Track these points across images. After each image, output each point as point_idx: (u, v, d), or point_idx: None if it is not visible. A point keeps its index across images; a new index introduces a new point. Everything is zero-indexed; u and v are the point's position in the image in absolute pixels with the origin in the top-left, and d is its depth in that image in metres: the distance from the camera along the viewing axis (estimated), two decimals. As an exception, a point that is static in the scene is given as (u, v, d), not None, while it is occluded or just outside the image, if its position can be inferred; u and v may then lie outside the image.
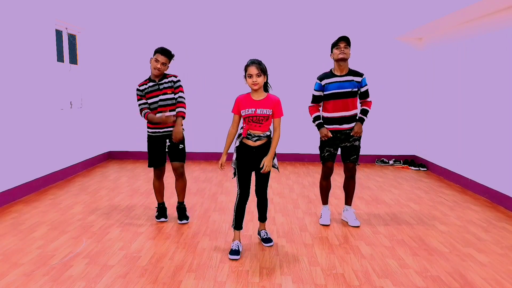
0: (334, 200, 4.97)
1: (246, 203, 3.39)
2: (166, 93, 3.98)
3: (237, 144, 3.35)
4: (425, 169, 6.89)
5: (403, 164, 7.24)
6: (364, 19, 7.28)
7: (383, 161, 7.37)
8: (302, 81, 7.38)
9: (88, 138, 6.77)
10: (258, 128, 3.26)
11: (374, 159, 7.51)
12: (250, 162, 3.32)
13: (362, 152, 7.52)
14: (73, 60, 6.58)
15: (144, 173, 6.34)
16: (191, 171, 6.61)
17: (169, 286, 2.79)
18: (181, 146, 4.03)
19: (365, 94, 4.08)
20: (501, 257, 3.32)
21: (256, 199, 3.58)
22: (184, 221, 4.10)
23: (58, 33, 6.09)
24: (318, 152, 4.03)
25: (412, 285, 2.85)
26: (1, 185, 4.57)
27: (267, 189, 3.51)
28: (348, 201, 4.16)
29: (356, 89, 3.96)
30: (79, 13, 6.49)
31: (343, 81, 3.92)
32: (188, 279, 2.89)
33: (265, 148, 3.31)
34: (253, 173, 3.39)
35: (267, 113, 3.24)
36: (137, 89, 4.03)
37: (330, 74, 3.98)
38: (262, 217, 3.62)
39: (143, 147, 7.33)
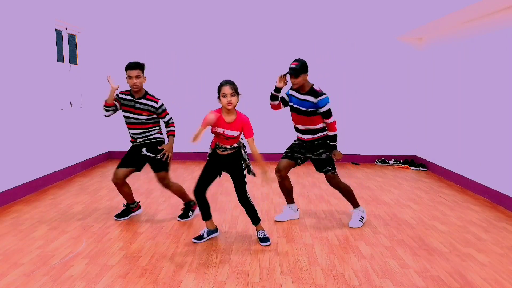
0: (334, 200, 4.97)
1: (201, 195, 3.56)
2: (141, 114, 3.93)
3: (210, 151, 3.62)
4: (425, 169, 6.89)
5: (403, 164, 7.24)
6: (365, 19, 7.28)
7: (383, 161, 7.37)
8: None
9: (88, 138, 6.77)
10: (226, 142, 3.46)
11: (374, 159, 7.51)
12: (219, 167, 3.59)
13: (362, 152, 7.54)
14: (73, 60, 6.58)
15: (144, 173, 6.32)
16: (191, 171, 6.61)
17: (169, 286, 2.79)
18: (158, 156, 4.01)
19: (325, 115, 3.85)
20: (501, 257, 3.32)
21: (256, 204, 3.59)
22: (185, 219, 4.19)
23: (58, 33, 6.09)
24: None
25: (412, 285, 2.85)
26: (1, 185, 4.57)
27: (246, 195, 3.53)
28: (352, 204, 4.16)
29: (313, 109, 3.85)
30: (79, 13, 6.49)
31: (302, 100, 3.91)
32: (188, 279, 2.89)
33: (233, 155, 3.52)
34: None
35: (235, 134, 3.43)
36: (117, 95, 4.02)
37: (297, 88, 3.95)
38: (253, 221, 3.65)
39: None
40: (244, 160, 3.54)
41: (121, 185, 4.05)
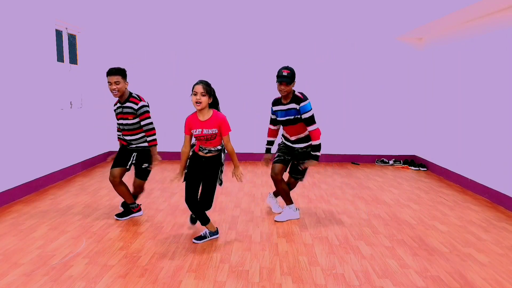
0: (334, 200, 4.97)
1: (193, 204, 3.51)
2: (127, 119, 3.97)
3: (190, 154, 3.60)
4: (425, 169, 6.89)
5: (403, 164, 7.24)
6: (365, 19, 7.28)
7: (383, 161, 7.37)
8: (305, 81, 7.38)
9: (88, 138, 6.77)
10: (208, 144, 3.48)
11: (374, 159, 7.52)
12: (199, 171, 3.53)
13: (362, 152, 7.54)
14: (73, 60, 6.58)
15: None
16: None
17: (169, 286, 2.79)
18: (144, 165, 4.10)
19: (307, 121, 3.88)
20: (501, 257, 3.32)
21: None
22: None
23: (58, 33, 6.09)
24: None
25: (412, 285, 2.85)
26: (1, 185, 4.56)
27: (211, 202, 3.61)
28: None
29: (298, 116, 3.92)
30: (79, 13, 6.49)
31: (287, 109, 3.96)
32: (188, 279, 2.89)
33: (214, 159, 3.53)
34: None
35: (213, 132, 3.43)
36: (114, 109, 4.17)
37: (279, 101, 4.03)
38: (201, 222, 3.61)
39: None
40: (222, 164, 3.58)
41: (118, 184, 4.07)
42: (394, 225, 4.09)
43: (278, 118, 4.07)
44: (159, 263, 3.15)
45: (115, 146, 7.61)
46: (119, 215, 4.19)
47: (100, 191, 5.26)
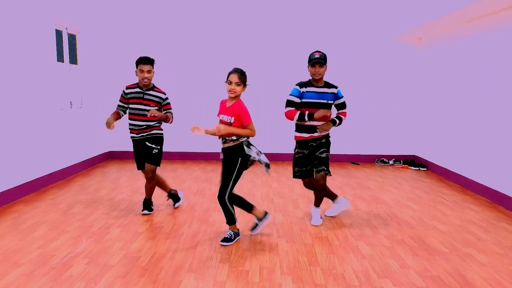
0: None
1: (231, 198, 3.57)
2: (149, 105, 4.14)
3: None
4: (425, 169, 6.89)
5: (403, 164, 7.24)
6: (365, 19, 7.28)
7: (383, 161, 7.37)
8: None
9: (88, 138, 6.77)
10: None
11: (374, 159, 7.51)
12: (223, 163, 3.55)
13: (362, 152, 7.54)
14: (73, 60, 6.58)
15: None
16: (191, 171, 6.61)
17: (169, 286, 2.79)
18: (154, 150, 4.22)
19: (342, 106, 4.10)
20: (501, 257, 3.32)
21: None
22: (146, 212, 4.36)
23: (58, 33, 6.09)
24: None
25: (412, 285, 2.85)
26: (1, 185, 4.56)
27: (225, 194, 3.49)
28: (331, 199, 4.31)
29: (332, 102, 3.99)
30: (79, 13, 6.49)
31: (321, 92, 3.94)
32: (188, 279, 2.90)
33: (234, 150, 3.45)
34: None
35: (229, 120, 3.41)
36: (123, 91, 4.26)
37: (309, 84, 3.98)
38: (227, 221, 3.63)
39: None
40: (243, 156, 3.44)
41: (151, 179, 4.27)
42: (394, 225, 4.09)
43: (305, 100, 3.90)
44: (159, 263, 3.15)
45: (115, 146, 7.62)
46: (174, 203, 4.52)
47: (100, 191, 5.26)
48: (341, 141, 7.52)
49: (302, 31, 7.36)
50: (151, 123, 4.20)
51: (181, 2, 7.36)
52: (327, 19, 7.32)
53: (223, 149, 3.54)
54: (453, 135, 6.04)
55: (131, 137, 4.29)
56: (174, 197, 4.56)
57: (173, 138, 6.92)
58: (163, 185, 4.46)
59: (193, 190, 5.33)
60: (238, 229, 3.69)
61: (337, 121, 4.00)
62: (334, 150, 7.51)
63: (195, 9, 7.37)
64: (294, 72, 7.36)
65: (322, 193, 4.11)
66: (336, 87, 4.03)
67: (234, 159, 3.45)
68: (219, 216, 4.30)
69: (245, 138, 3.47)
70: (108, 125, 4.12)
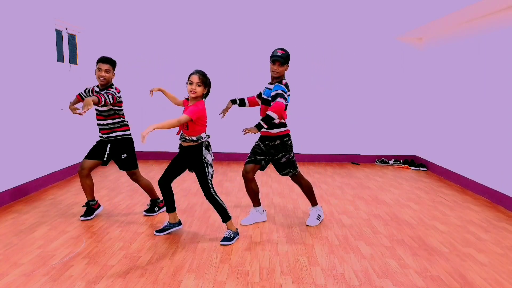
0: (334, 200, 4.97)
1: (165, 185, 3.63)
2: (105, 105, 3.92)
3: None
4: (425, 169, 6.89)
5: (403, 164, 7.24)
6: (364, 19, 7.28)
7: (383, 161, 7.37)
8: (305, 81, 7.38)
9: (88, 138, 6.75)
10: (185, 131, 3.46)
11: (374, 159, 7.52)
12: (183, 159, 3.60)
13: (362, 152, 7.54)
14: (73, 60, 6.58)
15: (144, 173, 6.33)
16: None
17: (169, 286, 2.79)
18: (123, 155, 4.13)
19: (274, 97, 3.68)
20: (501, 257, 3.32)
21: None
22: (150, 214, 4.33)
23: (58, 33, 6.08)
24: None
25: (412, 285, 2.85)
26: (1, 185, 4.56)
27: (210, 191, 3.50)
28: (311, 201, 4.17)
29: (270, 97, 3.80)
30: (79, 13, 6.48)
31: (268, 89, 3.90)
32: (188, 279, 2.89)
33: (194, 150, 3.48)
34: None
35: None
36: (86, 87, 4.28)
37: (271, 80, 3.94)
38: (222, 219, 3.63)
39: (142, 147, 7.32)
40: (204, 157, 3.47)
41: (85, 176, 4.09)
42: (394, 225, 4.09)
43: (263, 96, 3.94)
44: (159, 263, 3.15)
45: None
46: (83, 215, 4.15)
47: (100, 191, 5.26)
48: (341, 141, 7.53)
49: (302, 31, 7.36)
50: (112, 122, 4.05)
51: (181, 2, 7.37)
52: (327, 19, 7.32)
53: (181, 146, 3.55)
54: (453, 135, 6.04)
55: (99, 136, 4.16)
56: (90, 208, 4.21)
57: (173, 138, 6.91)
58: (90, 190, 4.15)
59: (193, 190, 5.33)
60: (236, 229, 3.69)
61: (262, 123, 3.57)
62: (334, 150, 7.59)
63: (195, 9, 7.37)
64: (294, 72, 7.37)
65: (308, 190, 4.07)
66: (280, 83, 3.74)
67: (198, 159, 3.48)
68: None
69: (205, 139, 3.49)
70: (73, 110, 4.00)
